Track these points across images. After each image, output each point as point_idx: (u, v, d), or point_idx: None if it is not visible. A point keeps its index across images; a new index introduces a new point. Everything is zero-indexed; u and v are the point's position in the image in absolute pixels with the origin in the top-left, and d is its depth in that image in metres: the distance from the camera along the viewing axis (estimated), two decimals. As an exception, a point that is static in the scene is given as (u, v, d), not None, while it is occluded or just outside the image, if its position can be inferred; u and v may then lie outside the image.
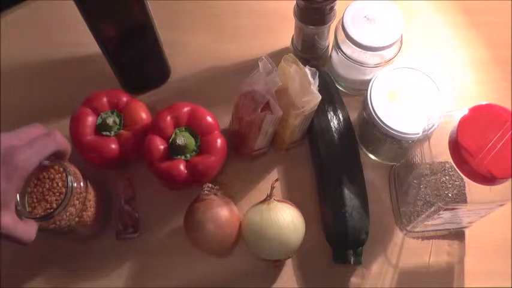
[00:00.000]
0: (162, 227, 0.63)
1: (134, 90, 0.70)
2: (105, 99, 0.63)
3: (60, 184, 0.55)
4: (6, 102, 0.70)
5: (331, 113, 0.65)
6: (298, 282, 0.61)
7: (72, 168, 0.56)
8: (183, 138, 0.59)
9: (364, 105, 0.60)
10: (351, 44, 0.61)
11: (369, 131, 0.61)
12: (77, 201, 0.54)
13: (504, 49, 0.73)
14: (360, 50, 0.61)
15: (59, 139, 0.51)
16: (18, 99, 0.71)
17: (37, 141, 0.49)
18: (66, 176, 0.54)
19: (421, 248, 0.62)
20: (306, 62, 0.62)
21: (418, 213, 0.57)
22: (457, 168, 0.47)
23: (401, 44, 0.63)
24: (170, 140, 0.60)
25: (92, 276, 0.61)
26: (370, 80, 0.60)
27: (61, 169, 0.56)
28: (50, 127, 0.68)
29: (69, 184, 0.53)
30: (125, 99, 0.63)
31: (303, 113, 0.58)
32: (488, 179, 0.45)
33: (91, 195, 0.58)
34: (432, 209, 0.52)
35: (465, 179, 0.48)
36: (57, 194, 0.54)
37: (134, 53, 0.64)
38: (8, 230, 0.46)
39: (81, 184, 0.56)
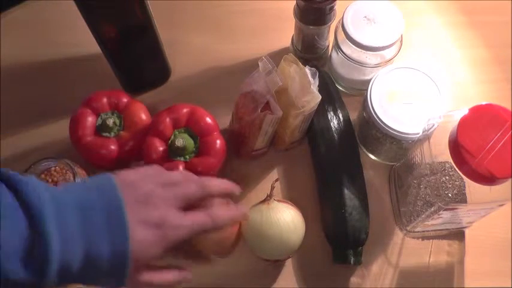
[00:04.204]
0: (162, 227, 0.63)
1: (134, 90, 0.70)
2: (105, 100, 0.62)
3: None
4: (6, 102, 0.70)
5: (331, 113, 0.65)
6: (298, 282, 0.61)
7: (77, 168, 0.56)
8: (181, 140, 0.58)
9: (364, 105, 0.60)
10: (351, 44, 0.61)
11: (369, 131, 0.61)
12: None
13: (504, 49, 0.73)
14: (360, 50, 0.61)
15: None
16: (18, 99, 0.71)
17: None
18: (74, 178, 0.54)
19: (421, 248, 0.62)
20: (306, 62, 0.62)
21: (418, 213, 0.57)
22: (457, 168, 0.47)
23: (401, 44, 0.63)
24: (169, 142, 0.60)
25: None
26: (370, 80, 0.60)
27: (64, 170, 0.56)
28: (50, 127, 0.69)
29: None
30: (125, 100, 0.63)
31: (303, 113, 0.58)
32: (488, 179, 0.45)
33: None
34: (432, 209, 0.52)
35: (465, 179, 0.48)
36: None
37: (134, 53, 0.64)
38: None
39: None
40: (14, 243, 0.37)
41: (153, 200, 0.44)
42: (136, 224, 0.42)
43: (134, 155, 0.62)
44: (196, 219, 0.45)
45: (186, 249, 0.47)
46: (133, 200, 0.43)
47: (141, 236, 0.42)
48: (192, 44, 0.75)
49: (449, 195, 0.52)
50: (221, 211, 0.47)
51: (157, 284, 0.45)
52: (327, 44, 0.70)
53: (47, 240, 0.37)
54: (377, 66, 0.63)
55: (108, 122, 0.61)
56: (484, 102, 0.47)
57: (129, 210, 0.42)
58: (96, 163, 0.61)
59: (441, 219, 0.55)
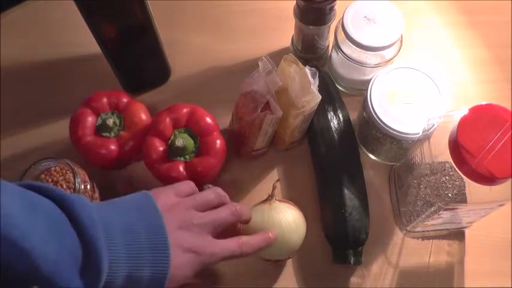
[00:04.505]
0: (162, 227, 0.63)
1: (134, 90, 0.70)
2: (105, 100, 0.62)
3: (65, 186, 0.55)
4: (6, 102, 0.70)
5: (331, 113, 0.65)
6: (298, 282, 0.61)
7: (77, 168, 0.56)
8: (181, 140, 0.58)
9: (364, 105, 0.60)
10: (351, 44, 0.61)
11: (369, 131, 0.61)
12: None
13: (504, 49, 0.73)
14: (360, 50, 0.61)
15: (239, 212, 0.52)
16: (18, 99, 0.71)
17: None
18: (74, 178, 0.54)
19: (421, 248, 0.62)
20: (306, 62, 0.62)
21: (418, 213, 0.57)
22: (457, 168, 0.47)
23: (401, 44, 0.63)
24: (169, 142, 0.60)
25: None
26: (370, 80, 0.60)
27: (64, 170, 0.56)
28: (50, 127, 0.69)
29: (77, 186, 0.53)
30: (125, 100, 0.63)
31: (303, 113, 0.58)
32: (488, 179, 0.45)
33: (96, 194, 0.58)
34: (432, 209, 0.52)
35: (465, 179, 0.48)
36: None
37: (134, 53, 0.64)
38: None
39: (88, 185, 0.56)
40: (70, 258, 0.39)
41: (192, 227, 0.47)
42: (175, 249, 0.45)
43: (134, 155, 0.62)
44: (227, 246, 0.49)
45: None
46: (174, 226, 0.46)
47: (179, 261, 0.45)
48: (192, 44, 0.75)
49: (449, 195, 0.52)
50: (249, 240, 0.51)
51: None
52: (327, 44, 0.70)
53: (99, 259, 0.39)
54: (377, 66, 0.63)
55: (108, 122, 0.61)
56: (484, 102, 0.47)
57: (170, 236, 0.44)
58: (96, 163, 0.61)
59: (441, 219, 0.55)
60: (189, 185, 0.52)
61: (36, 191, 0.40)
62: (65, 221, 0.39)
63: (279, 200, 0.58)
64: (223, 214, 0.50)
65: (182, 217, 0.47)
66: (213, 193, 0.52)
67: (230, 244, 0.49)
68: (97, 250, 0.39)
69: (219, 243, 0.49)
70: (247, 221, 0.54)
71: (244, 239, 0.50)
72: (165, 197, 0.48)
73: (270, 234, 0.53)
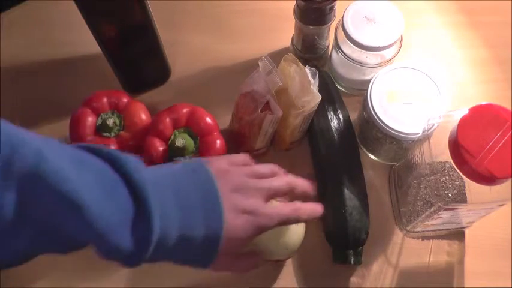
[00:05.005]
0: (162, 227, 0.63)
1: (134, 90, 0.70)
2: (105, 100, 0.62)
3: None
4: (6, 102, 0.69)
5: (331, 113, 0.65)
6: (298, 282, 0.61)
7: None
8: (181, 140, 0.58)
9: (364, 105, 0.60)
10: (351, 44, 0.61)
11: (368, 131, 0.61)
12: None
13: (504, 49, 0.73)
14: (359, 50, 0.61)
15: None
16: (18, 99, 0.71)
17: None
18: None
19: (421, 248, 0.62)
20: (306, 62, 0.62)
21: (418, 213, 0.57)
22: (457, 168, 0.47)
23: (401, 44, 0.63)
24: (169, 142, 0.60)
25: (93, 276, 0.61)
26: (370, 80, 0.60)
27: None
28: (50, 127, 0.69)
29: None
30: (125, 100, 0.63)
31: (303, 113, 0.58)
32: (488, 179, 0.45)
33: None
34: (432, 209, 0.52)
35: (465, 179, 0.48)
36: None
37: (134, 53, 0.64)
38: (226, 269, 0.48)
39: None
40: (123, 217, 0.38)
41: (246, 190, 0.46)
42: (229, 211, 0.43)
43: (134, 155, 0.62)
44: (283, 211, 0.47)
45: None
46: (228, 189, 0.45)
47: (234, 223, 0.44)
48: (192, 44, 0.75)
49: (449, 195, 0.52)
50: (303, 206, 0.49)
51: (235, 270, 0.49)
52: (327, 44, 0.70)
53: (151, 219, 0.39)
54: (377, 66, 0.63)
55: (108, 122, 0.61)
56: (484, 102, 0.47)
57: (223, 198, 0.43)
58: (96, 163, 0.61)
59: (441, 219, 0.55)
60: (244, 157, 0.51)
61: (87, 151, 0.40)
62: (117, 180, 0.39)
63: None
64: (278, 182, 0.49)
65: (237, 181, 0.46)
66: (267, 167, 0.50)
67: (286, 209, 0.48)
68: (149, 210, 0.39)
69: (274, 207, 0.47)
70: (306, 193, 0.51)
71: (298, 204, 0.49)
72: (218, 164, 0.47)
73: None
